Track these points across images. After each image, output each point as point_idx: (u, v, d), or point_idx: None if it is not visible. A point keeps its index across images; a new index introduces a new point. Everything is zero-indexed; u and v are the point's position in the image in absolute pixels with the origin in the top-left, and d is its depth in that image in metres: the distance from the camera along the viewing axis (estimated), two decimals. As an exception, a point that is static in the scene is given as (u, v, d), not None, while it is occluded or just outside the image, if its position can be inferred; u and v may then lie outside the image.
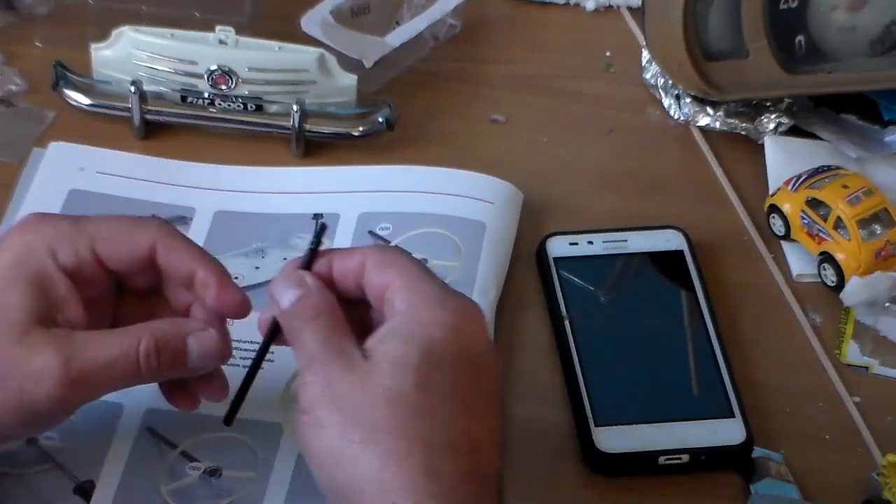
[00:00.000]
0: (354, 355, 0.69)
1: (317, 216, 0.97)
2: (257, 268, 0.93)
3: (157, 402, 0.82)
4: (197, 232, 0.96)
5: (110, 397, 0.79)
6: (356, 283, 0.74)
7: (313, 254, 0.76)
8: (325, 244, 0.92)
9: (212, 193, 0.98)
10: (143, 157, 1.00)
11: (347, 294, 0.74)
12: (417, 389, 0.67)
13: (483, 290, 0.92)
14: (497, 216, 0.97)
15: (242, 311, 0.78)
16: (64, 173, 0.98)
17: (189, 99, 1.03)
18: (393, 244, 0.94)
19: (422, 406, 0.67)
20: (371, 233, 0.96)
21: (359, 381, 0.68)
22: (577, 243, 0.97)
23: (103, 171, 0.98)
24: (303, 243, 0.95)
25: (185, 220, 0.96)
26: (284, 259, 0.93)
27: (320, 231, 0.76)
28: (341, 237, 0.96)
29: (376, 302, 0.73)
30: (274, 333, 0.75)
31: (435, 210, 0.96)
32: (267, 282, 0.91)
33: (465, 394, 0.69)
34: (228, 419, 0.76)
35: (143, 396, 0.83)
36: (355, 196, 0.98)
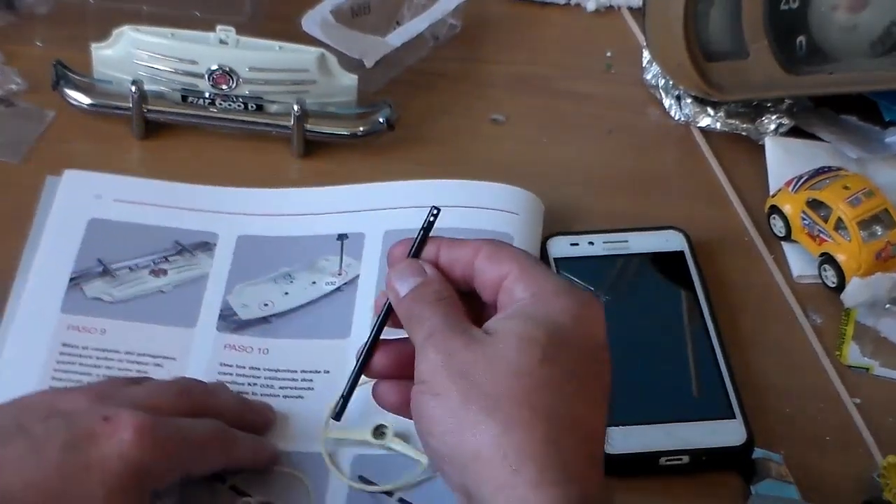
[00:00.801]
0: (475, 333, 0.70)
1: (341, 236, 0.96)
2: (286, 293, 0.92)
3: None
4: (222, 258, 0.94)
5: None
6: (463, 274, 0.74)
7: (423, 241, 0.75)
8: (353, 264, 0.93)
9: (233, 217, 0.97)
10: (159, 183, 0.98)
11: (454, 284, 0.74)
12: (542, 365, 0.68)
13: None
14: (522, 227, 0.96)
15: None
16: (81, 202, 0.96)
17: (189, 99, 1.03)
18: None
19: (547, 380, 0.68)
20: None
21: (482, 354, 0.69)
22: (577, 244, 0.97)
23: (121, 199, 0.96)
24: (330, 265, 0.94)
25: (208, 245, 0.95)
26: (313, 283, 0.93)
27: (433, 217, 0.76)
28: (368, 256, 0.95)
29: (489, 292, 0.73)
30: (387, 315, 0.75)
31: (461, 224, 0.95)
32: (298, 307, 0.91)
33: (586, 378, 0.69)
34: (339, 415, 0.76)
35: None
36: (379, 214, 0.97)
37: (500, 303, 0.72)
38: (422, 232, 0.75)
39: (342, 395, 0.75)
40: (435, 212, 0.76)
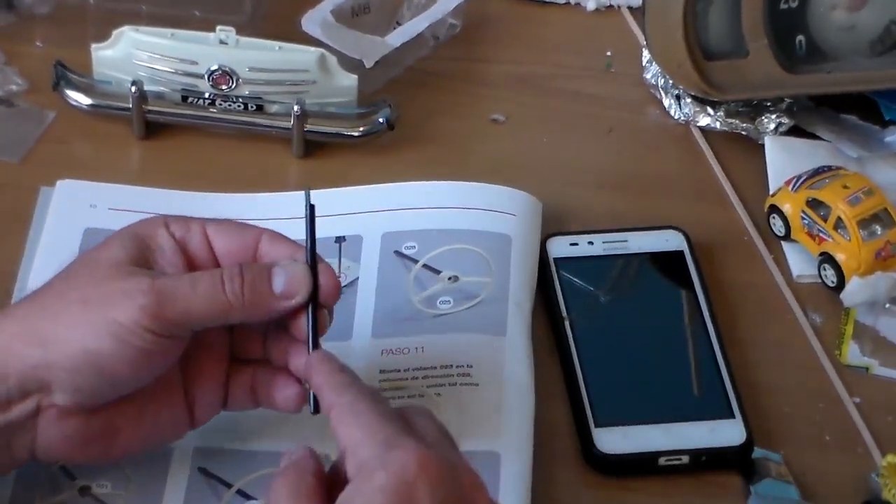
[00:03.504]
0: None
1: (339, 239, 0.96)
2: None
3: (205, 441, 0.83)
4: None
5: None
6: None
7: (313, 240, 0.77)
8: (352, 266, 0.93)
9: None
10: (154, 190, 0.98)
11: None
12: None
13: (518, 304, 0.92)
14: (521, 228, 0.96)
15: (334, 293, 0.79)
16: (76, 212, 0.96)
17: (189, 99, 1.03)
18: (420, 264, 0.94)
19: None
20: (397, 252, 0.95)
21: None
22: (577, 244, 0.97)
23: (116, 208, 0.96)
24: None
25: None
26: None
27: (311, 213, 0.78)
28: (366, 259, 0.95)
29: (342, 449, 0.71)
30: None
31: (459, 225, 0.95)
32: None
33: None
34: (316, 409, 0.75)
35: (190, 436, 0.82)
36: (376, 216, 0.97)
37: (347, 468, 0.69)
38: (309, 233, 0.77)
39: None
40: (311, 202, 0.78)
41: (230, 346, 0.80)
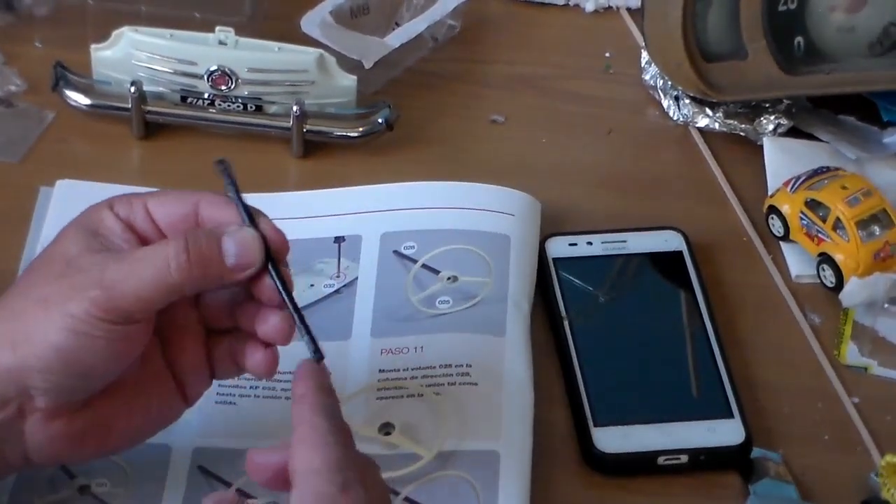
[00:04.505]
0: None
1: (338, 239, 0.96)
2: None
3: (204, 441, 0.83)
4: None
5: (156, 439, 0.80)
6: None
7: (243, 202, 0.76)
8: (351, 266, 0.93)
9: None
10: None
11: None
12: None
13: (517, 304, 0.92)
14: (520, 228, 0.96)
15: (284, 246, 0.77)
16: (76, 212, 0.95)
17: (189, 99, 1.03)
18: (419, 264, 0.94)
19: None
20: (396, 252, 0.95)
21: None
22: (576, 244, 0.97)
23: None
24: (327, 268, 0.94)
25: None
26: (311, 286, 0.93)
27: (227, 172, 0.77)
28: (365, 259, 0.95)
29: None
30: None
31: (458, 225, 0.96)
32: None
33: None
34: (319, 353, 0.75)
35: (190, 435, 0.83)
36: (376, 216, 0.97)
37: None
38: (236, 195, 0.77)
39: (307, 337, 0.75)
40: (222, 167, 0.77)
41: (203, 320, 0.79)
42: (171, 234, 0.77)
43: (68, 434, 0.76)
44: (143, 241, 0.77)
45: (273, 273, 0.75)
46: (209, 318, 0.79)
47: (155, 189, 0.96)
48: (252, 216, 0.77)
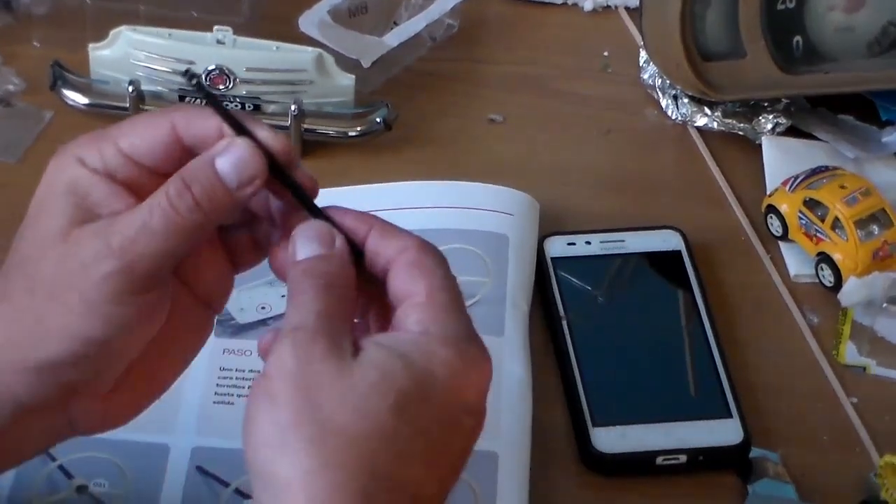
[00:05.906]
0: (344, 344, 0.63)
1: None
2: (283, 296, 0.91)
3: (202, 440, 0.83)
4: None
5: (155, 439, 0.79)
6: (381, 270, 0.68)
7: (226, 113, 0.68)
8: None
9: None
10: None
11: (371, 273, 0.68)
12: (392, 413, 0.61)
13: (515, 304, 0.92)
14: (518, 228, 0.96)
15: (287, 149, 0.69)
16: None
17: (187, 99, 1.03)
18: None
19: (389, 431, 0.61)
20: None
21: (336, 374, 0.62)
22: (574, 243, 0.97)
23: None
24: None
25: None
26: None
27: (197, 84, 0.70)
28: None
29: (394, 299, 0.66)
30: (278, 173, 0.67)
31: (456, 225, 0.95)
32: None
33: (437, 442, 0.63)
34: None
35: (188, 435, 0.83)
36: None
37: (395, 319, 0.65)
38: (218, 108, 0.68)
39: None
40: (194, 81, 0.69)
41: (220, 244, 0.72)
42: (158, 167, 0.69)
43: (116, 401, 0.70)
44: (130, 187, 0.68)
45: (289, 183, 0.68)
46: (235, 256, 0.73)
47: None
48: (241, 124, 0.68)
